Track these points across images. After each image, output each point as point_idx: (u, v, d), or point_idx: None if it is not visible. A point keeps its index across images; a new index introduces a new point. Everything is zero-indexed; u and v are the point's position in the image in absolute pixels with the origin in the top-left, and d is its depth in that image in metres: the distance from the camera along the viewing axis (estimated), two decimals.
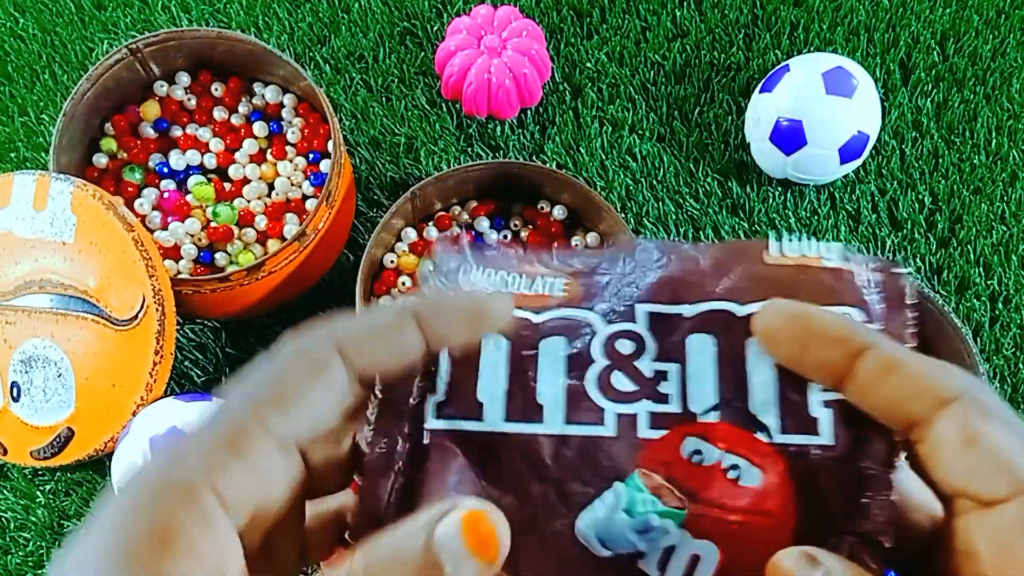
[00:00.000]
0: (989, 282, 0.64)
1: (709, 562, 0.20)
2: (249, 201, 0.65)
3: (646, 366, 0.21)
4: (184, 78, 0.66)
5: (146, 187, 0.65)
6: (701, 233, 0.66)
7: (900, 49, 0.69)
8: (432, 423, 0.21)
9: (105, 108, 0.64)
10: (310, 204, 0.64)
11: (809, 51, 0.69)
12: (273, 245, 0.63)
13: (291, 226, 0.63)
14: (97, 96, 0.62)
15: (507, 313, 0.21)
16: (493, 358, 0.21)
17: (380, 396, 0.21)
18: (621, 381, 0.21)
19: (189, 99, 0.66)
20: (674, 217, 0.66)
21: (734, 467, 0.21)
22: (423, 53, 0.70)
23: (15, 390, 0.56)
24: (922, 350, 0.54)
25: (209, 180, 0.65)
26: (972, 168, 0.67)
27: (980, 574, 0.18)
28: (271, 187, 0.66)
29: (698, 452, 0.21)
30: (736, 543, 0.20)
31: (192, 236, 0.63)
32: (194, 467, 0.18)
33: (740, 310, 0.21)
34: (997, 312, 0.64)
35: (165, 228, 0.63)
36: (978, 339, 0.63)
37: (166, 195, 0.64)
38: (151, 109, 0.65)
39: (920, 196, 0.66)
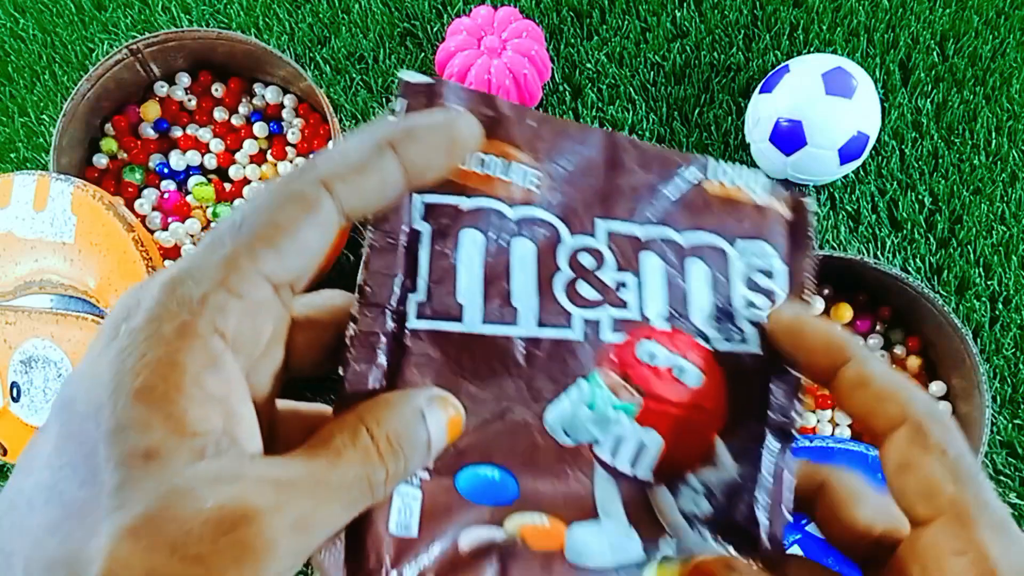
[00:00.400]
0: (989, 282, 0.64)
1: (653, 448, 0.23)
2: None
3: (608, 276, 0.24)
4: (184, 79, 0.66)
5: (146, 187, 0.65)
6: None
7: (900, 50, 0.69)
8: (413, 323, 0.22)
9: (105, 108, 0.64)
10: None
11: (809, 52, 0.69)
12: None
13: None
14: (97, 96, 0.62)
15: (476, 135, 0.21)
16: (469, 257, 0.23)
17: (365, 293, 0.22)
18: (586, 289, 0.23)
19: (189, 100, 0.66)
20: None
21: (680, 369, 0.24)
22: (423, 54, 0.70)
23: (15, 390, 0.56)
24: (922, 351, 0.55)
25: (209, 180, 0.65)
26: (972, 168, 0.67)
27: None
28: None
29: (651, 355, 0.24)
30: (677, 433, 0.23)
31: (192, 236, 0.63)
32: (194, 304, 0.17)
33: (681, 239, 0.25)
34: (997, 312, 0.64)
35: (165, 228, 0.63)
36: (978, 339, 0.63)
37: (166, 195, 0.64)
38: (151, 109, 0.65)
39: (920, 196, 0.66)
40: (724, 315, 0.24)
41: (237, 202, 0.60)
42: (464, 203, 0.23)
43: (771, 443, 0.24)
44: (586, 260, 0.24)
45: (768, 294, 0.25)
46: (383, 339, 0.22)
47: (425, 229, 0.23)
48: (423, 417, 0.20)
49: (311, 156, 0.21)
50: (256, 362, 0.19)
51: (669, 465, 0.23)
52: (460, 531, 0.22)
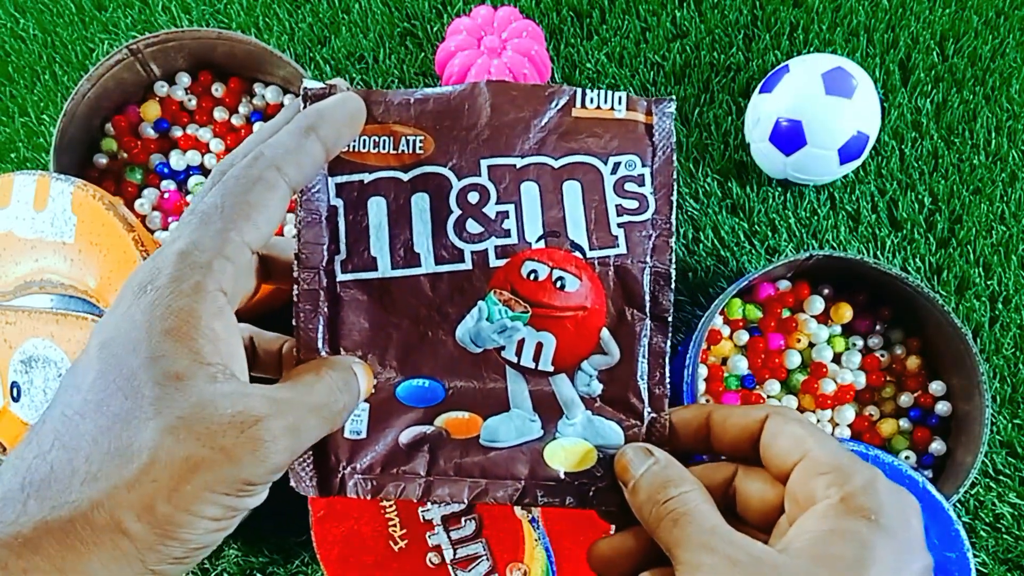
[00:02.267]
0: (989, 282, 0.64)
1: (549, 346, 0.29)
2: None
3: (490, 210, 0.29)
4: (184, 78, 0.66)
5: (146, 187, 0.65)
6: (701, 233, 0.66)
7: (900, 50, 0.70)
8: (341, 276, 0.28)
9: (105, 108, 0.64)
10: None
11: (809, 52, 0.69)
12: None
13: (291, 226, 0.63)
14: (97, 96, 0.62)
15: (363, 108, 0.28)
16: (377, 219, 0.28)
17: (301, 259, 0.28)
18: (473, 225, 0.29)
19: (189, 99, 0.66)
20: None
21: (560, 279, 0.29)
22: (423, 54, 0.70)
23: (15, 390, 0.56)
24: (922, 351, 0.55)
25: None
26: (972, 168, 0.67)
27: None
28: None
29: (533, 271, 0.28)
30: (567, 331, 0.29)
31: None
32: (202, 268, 0.22)
33: (555, 163, 0.29)
34: (997, 312, 0.64)
35: (165, 228, 0.63)
36: (978, 339, 0.63)
37: (166, 195, 0.64)
38: (151, 109, 0.65)
39: (920, 196, 0.66)
40: (597, 224, 0.29)
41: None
42: (367, 177, 0.29)
43: (648, 327, 0.29)
44: (472, 197, 0.29)
45: (638, 198, 0.29)
46: (321, 293, 0.28)
47: (339, 203, 0.29)
48: (354, 372, 0.27)
49: (251, 144, 0.27)
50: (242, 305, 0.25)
51: (565, 357, 0.29)
52: (400, 430, 0.28)
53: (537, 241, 0.29)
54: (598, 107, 0.29)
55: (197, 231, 0.23)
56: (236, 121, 0.66)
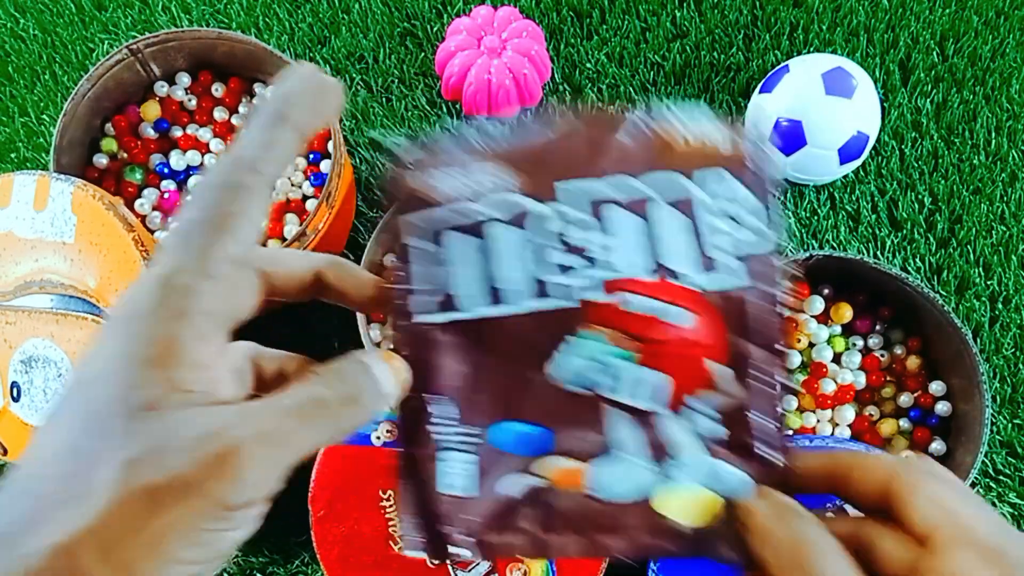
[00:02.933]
0: (989, 282, 0.64)
1: (663, 386, 0.26)
2: None
3: (586, 241, 0.27)
4: (184, 78, 0.66)
5: (146, 187, 0.65)
6: None
7: (900, 50, 0.70)
8: (429, 319, 0.26)
9: (106, 108, 0.64)
10: (310, 204, 0.64)
11: (809, 52, 0.69)
12: (273, 245, 0.63)
13: (291, 226, 0.63)
14: (98, 96, 0.62)
15: (326, 78, 0.25)
16: (456, 254, 0.27)
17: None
18: (559, 256, 0.27)
19: (189, 99, 0.66)
20: None
21: (665, 313, 0.26)
22: (423, 54, 0.70)
23: (15, 390, 0.56)
24: (922, 351, 0.55)
25: None
26: (972, 168, 0.67)
27: None
28: (271, 187, 0.66)
29: (635, 305, 0.26)
30: (680, 369, 0.26)
31: None
32: (183, 292, 0.21)
33: (639, 183, 0.27)
34: (997, 312, 0.64)
35: (166, 228, 0.63)
36: (978, 339, 0.63)
37: (166, 195, 0.64)
38: (151, 109, 0.65)
39: (920, 196, 0.66)
40: (707, 256, 0.27)
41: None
42: (438, 213, 0.27)
43: (764, 361, 0.26)
44: (554, 226, 0.27)
45: (745, 226, 0.27)
46: (410, 337, 0.26)
47: (414, 243, 0.27)
48: (367, 366, 0.24)
49: (228, 149, 0.25)
50: (241, 317, 0.24)
51: (680, 396, 0.26)
52: (503, 482, 0.26)
53: (641, 273, 0.26)
54: (672, 124, 0.27)
55: (177, 252, 0.22)
56: (236, 121, 0.66)
